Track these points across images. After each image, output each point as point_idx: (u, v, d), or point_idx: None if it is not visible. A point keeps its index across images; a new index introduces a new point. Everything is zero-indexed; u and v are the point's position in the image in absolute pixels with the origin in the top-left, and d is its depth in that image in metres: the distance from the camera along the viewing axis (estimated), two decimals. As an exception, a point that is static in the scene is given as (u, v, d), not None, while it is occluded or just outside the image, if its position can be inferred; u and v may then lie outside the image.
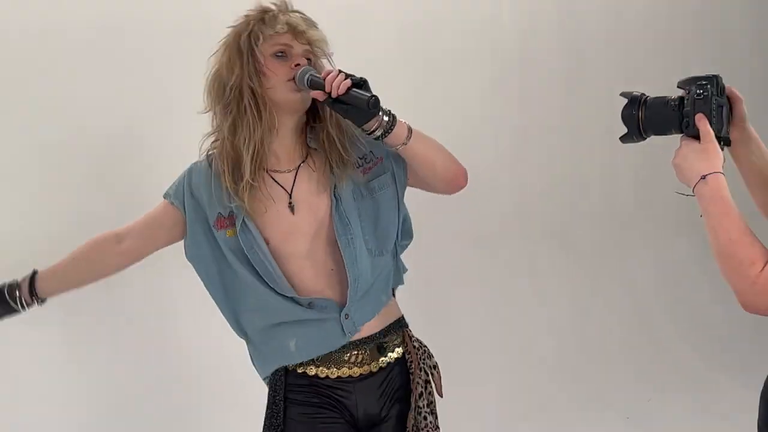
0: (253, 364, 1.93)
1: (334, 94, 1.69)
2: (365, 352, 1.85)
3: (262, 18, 1.78)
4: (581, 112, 4.29)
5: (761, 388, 1.59)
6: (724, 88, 1.57)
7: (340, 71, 1.72)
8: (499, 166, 4.00)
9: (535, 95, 4.14)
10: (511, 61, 4.07)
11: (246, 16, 1.82)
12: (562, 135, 4.25)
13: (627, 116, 1.62)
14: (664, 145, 4.18)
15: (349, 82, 1.70)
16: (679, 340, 4.34)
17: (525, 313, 4.07)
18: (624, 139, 1.65)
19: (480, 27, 3.97)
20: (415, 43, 3.74)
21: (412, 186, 1.92)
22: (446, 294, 3.88)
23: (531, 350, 4.01)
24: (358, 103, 1.70)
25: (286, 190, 1.81)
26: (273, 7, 1.81)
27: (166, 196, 1.89)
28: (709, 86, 1.53)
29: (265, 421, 1.85)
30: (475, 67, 3.93)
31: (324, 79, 1.71)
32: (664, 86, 1.76)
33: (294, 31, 1.78)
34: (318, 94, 1.74)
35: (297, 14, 1.83)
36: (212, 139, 1.85)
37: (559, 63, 4.22)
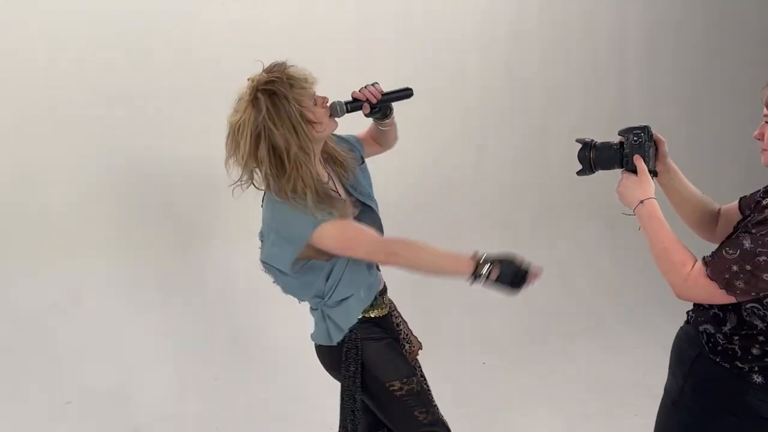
0: (334, 325, 1.96)
1: (375, 101, 1.90)
2: (384, 299, 2.09)
3: (291, 84, 1.79)
4: (523, 136, 4.66)
5: (673, 340, 1.75)
6: (652, 134, 1.69)
7: (365, 87, 1.91)
8: (464, 176, 4.36)
9: (492, 124, 4.54)
10: (473, 101, 4.41)
11: (268, 89, 1.75)
12: (509, 153, 4.62)
13: (581, 157, 1.75)
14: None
15: (379, 86, 1.92)
16: (590, 296, 4.61)
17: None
18: (579, 173, 1.78)
19: (451, 81, 4.29)
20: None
21: (367, 157, 2.13)
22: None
23: (485, 304, 3.83)
24: (399, 96, 1.94)
25: (336, 190, 1.95)
26: (279, 72, 1.79)
27: (329, 217, 1.81)
28: (642, 134, 1.67)
29: (347, 354, 1.95)
30: (447, 108, 4.27)
31: (362, 98, 1.90)
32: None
33: (310, 80, 1.85)
34: (365, 108, 1.92)
35: (294, 66, 1.84)
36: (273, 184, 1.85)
37: (508, 103, 4.58)
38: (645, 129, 1.68)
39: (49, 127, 3.16)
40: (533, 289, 4.41)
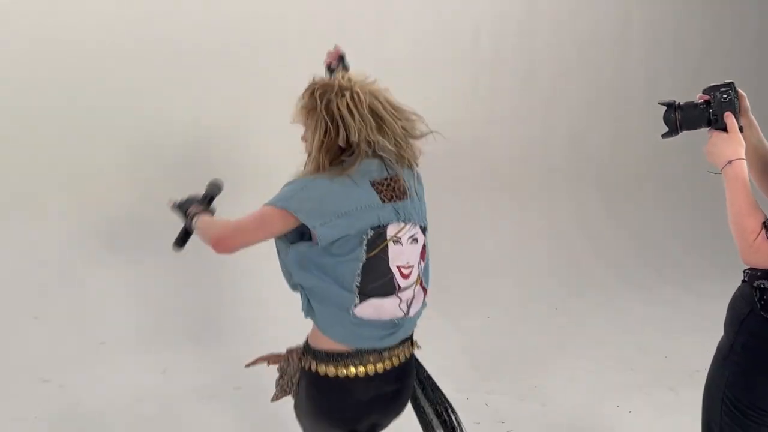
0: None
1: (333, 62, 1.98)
2: None
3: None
4: (531, 102, 4.63)
5: (730, 298, 1.65)
6: (737, 91, 1.60)
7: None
8: (473, 139, 4.35)
9: (503, 86, 4.49)
10: (484, 66, 4.39)
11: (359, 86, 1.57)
12: (516, 118, 4.58)
13: (667, 118, 1.64)
14: (582, 132, 4.88)
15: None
16: (587, 257, 4.65)
17: (487, 238, 4.45)
18: (664, 135, 1.67)
19: (461, 44, 4.26)
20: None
21: None
22: (446, 224, 3.93)
23: (490, 263, 4.33)
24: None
25: None
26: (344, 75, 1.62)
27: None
28: (730, 91, 1.57)
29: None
30: (458, 72, 4.25)
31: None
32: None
33: None
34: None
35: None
36: None
37: (518, 71, 4.55)
38: (731, 85, 1.58)
39: (87, 89, 3.18)
40: (534, 249, 4.61)
